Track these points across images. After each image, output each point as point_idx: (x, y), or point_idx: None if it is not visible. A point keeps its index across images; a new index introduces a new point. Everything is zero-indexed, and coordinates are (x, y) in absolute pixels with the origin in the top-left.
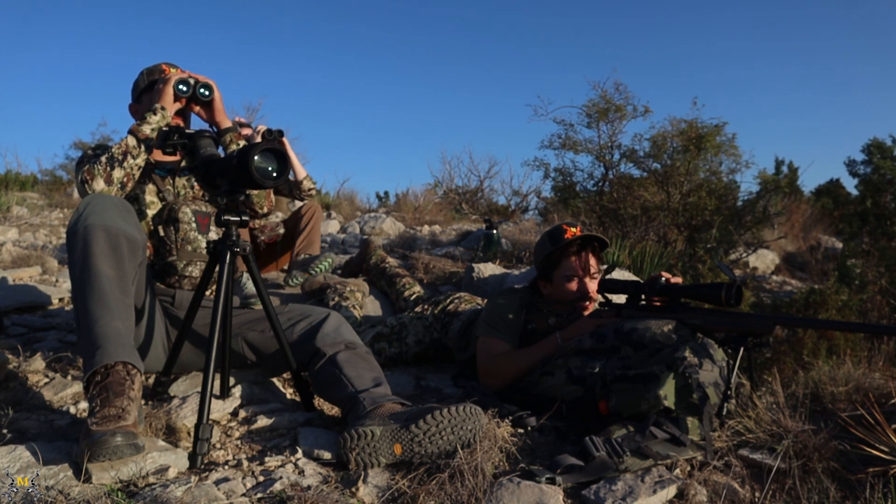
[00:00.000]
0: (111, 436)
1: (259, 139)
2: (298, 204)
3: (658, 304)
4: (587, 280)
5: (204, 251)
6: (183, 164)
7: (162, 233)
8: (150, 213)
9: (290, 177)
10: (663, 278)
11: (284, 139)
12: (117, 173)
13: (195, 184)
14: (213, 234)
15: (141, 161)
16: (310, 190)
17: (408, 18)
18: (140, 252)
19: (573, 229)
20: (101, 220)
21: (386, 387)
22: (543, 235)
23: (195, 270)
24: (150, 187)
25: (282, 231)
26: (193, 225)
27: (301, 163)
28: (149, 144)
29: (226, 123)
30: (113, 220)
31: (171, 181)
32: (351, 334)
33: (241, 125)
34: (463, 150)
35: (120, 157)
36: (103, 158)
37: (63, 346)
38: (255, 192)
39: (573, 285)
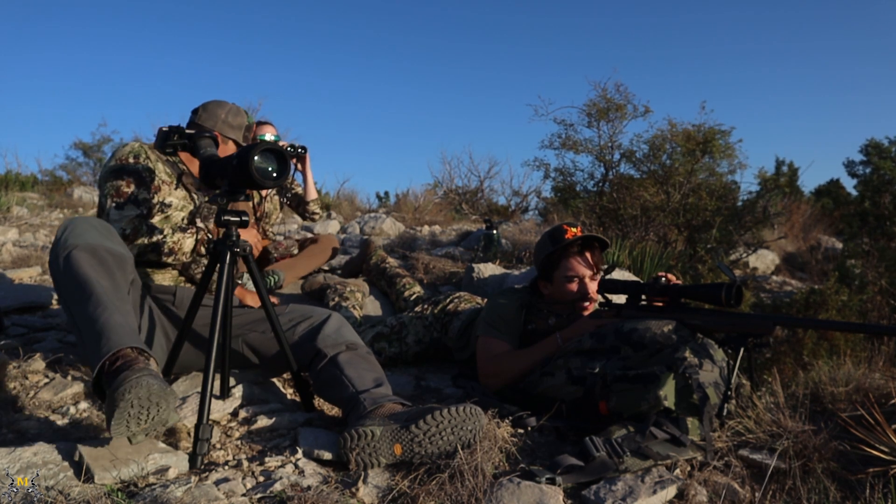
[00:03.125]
0: (146, 375)
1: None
2: (318, 232)
3: (658, 304)
4: (588, 280)
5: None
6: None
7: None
8: (180, 214)
9: (300, 189)
10: (663, 278)
11: (307, 157)
12: (148, 245)
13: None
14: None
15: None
16: (314, 214)
17: (408, 18)
18: (129, 267)
19: (574, 229)
20: (83, 241)
21: (387, 387)
22: (544, 235)
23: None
24: (181, 192)
25: (295, 252)
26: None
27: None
28: (196, 258)
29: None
30: (95, 238)
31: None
32: (352, 335)
33: (262, 123)
34: (463, 150)
35: (166, 251)
36: (156, 237)
37: (63, 346)
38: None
39: (574, 286)
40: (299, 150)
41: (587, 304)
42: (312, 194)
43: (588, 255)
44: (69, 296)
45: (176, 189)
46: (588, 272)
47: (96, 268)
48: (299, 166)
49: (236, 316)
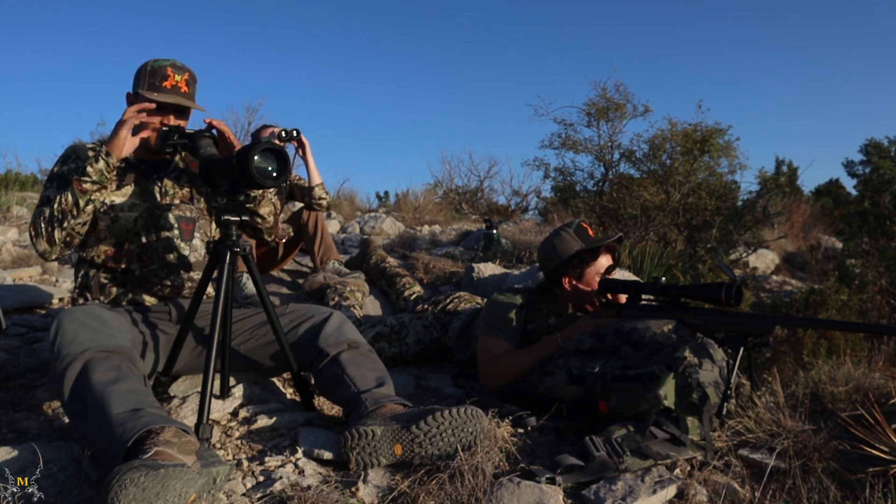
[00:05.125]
0: (132, 471)
1: (277, 141)
2: (298, 205)
3: (657, 303)
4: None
5: (188, 259)
6: (178, 165)
7: (144, 239)
8: (131, 215)
9: (305, 181)
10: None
11: (305, 140)
12: (58, 234)
13: (185, 184)
14: (198, 240)
15: (84, 218)
16: (321, 199)
17: (408, 18)
18: (128, 352)
19: (587, 226)
20: (78, 348)
21: (389, 386)
22: (562, 233)
23: (177, 280)
24: (130, 189)
25: (291, 232)
26: (176, 232)
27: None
28: (89, 199)
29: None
30: (87, 340)
31: (159, 181)
32: (353, 333)
33: (266, 126)
34: (463, 150)
35: (59, 217)
36: (47, 213)
37: None
38: (268, 221)
39: (599, 281)
40: (293, 132)
41: (588, 304)
42: (315, 179)
43: (613, 252)
44: (80, 406)
45: (119, 189)
46: (612, 269)
47: (99, 368)
48: (300, 152)
49: (236, 324)
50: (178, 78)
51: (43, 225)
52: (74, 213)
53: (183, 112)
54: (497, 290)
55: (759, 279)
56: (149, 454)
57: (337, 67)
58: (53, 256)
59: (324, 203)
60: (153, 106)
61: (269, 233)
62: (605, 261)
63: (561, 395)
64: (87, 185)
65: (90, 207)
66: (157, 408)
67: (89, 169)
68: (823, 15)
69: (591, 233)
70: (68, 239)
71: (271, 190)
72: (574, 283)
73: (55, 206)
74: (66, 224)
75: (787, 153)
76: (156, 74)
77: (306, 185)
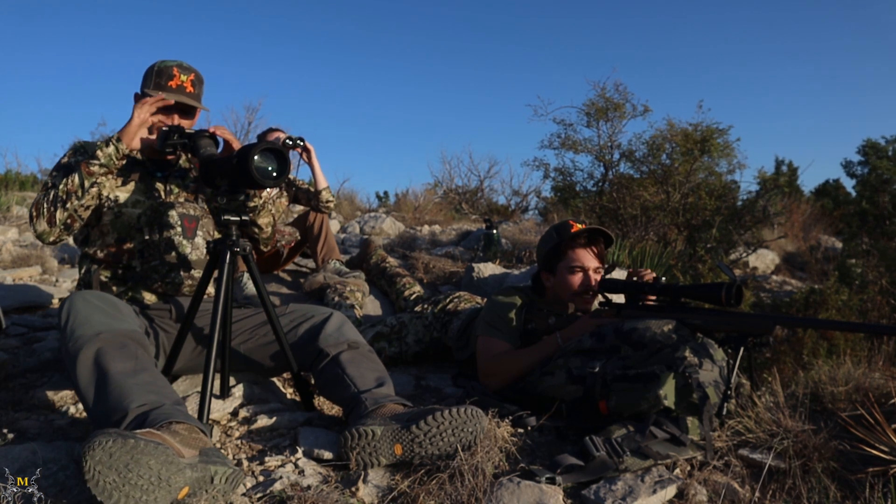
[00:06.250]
0: (105, 435)
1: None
2: (299, 208)
3: (657, 303)
4: (591, 273)
5: (189, 257)
6: (183, 165)
7: (147, 236)
8: (135, 212)
9: (311, 185)
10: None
11: (309, 146)
12: (60, 214)
13: (189, 184)
14: (200, 238)
15: (87, 201)
16: (328, 202)
17: (408, 18)
18: (139, 338)
19: (579, 225)
20: (91, 330)
21: (389, 386)
22: (550, 229)
23: (177, 277)
24: (135, 185)
25: (298, 236)
26: (179, 229)
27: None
28: (94, 182)
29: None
30: (99, 323)
31: (163, 181)
32: (353, 333)
33: (273, 130)
34: (463, 150)
35: (63, 197)
36: (52, 194)
37: None
38: (265, 232)
39: (577, 277)
40: (298, 141)
41: (588, 297)
42: (322, 183)
43: (593, 248)
44: (93, 393)
45: (124, 185)
46: (593, 264)
47: (112, 353)
48: (304, 157)
49: (236, 324)
50: (183, 78)
51: (46, 205)
52: (79, 194)
53: (188, 112)
54: (497, 289)
55: (759, 279)
56: (137, 431)
57: (337, 67)
58: (51, 239)
59: (331, 206)
60: (171, 102)
61: (266, 242)
62: (578, 255)
63: (561, 395)
64: (95, 168)
65: (94, 190)
66: (177, 402)
67: (98, 153)
68: (823, 15)
69: (574, 228)
70: (69, 221)
71: (273, 194)
72: (550, 278)
73: (61, 186)
74: (69, 205)
75: (787, 153)
76: (162, 74)
77: (310, 188)
